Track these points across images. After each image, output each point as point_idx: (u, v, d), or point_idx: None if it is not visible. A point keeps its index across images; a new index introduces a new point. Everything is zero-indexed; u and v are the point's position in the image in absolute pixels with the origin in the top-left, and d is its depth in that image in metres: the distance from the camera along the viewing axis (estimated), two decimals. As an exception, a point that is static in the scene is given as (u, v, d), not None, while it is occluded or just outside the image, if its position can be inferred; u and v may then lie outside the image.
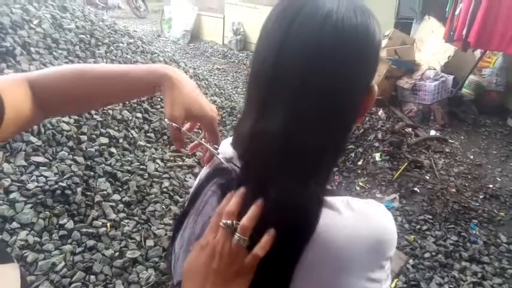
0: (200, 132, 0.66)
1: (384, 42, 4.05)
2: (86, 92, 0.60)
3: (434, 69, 4.11)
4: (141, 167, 2.18)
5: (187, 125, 0.63)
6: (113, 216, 1.84)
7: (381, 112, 3.85)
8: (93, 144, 2.11)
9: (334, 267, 0.45)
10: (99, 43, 2.86)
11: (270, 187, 0.45)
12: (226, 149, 0.57)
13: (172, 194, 2.13)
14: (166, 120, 0.57)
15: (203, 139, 0.59)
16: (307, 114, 0.44)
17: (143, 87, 0.60)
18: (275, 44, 0.45)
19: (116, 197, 1.94)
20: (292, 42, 0.44)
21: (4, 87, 0.51)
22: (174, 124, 0.56)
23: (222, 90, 3.91)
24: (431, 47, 4.40)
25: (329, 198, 0.48)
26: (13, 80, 0.55)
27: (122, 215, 1.88)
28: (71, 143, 2.02)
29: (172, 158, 2.41)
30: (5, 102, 0.49)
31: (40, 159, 1.87)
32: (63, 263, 1.58)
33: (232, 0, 7.20)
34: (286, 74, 0.44)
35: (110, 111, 2.38)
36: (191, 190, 0.60)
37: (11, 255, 0.47)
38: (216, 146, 0.59)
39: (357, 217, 0.47)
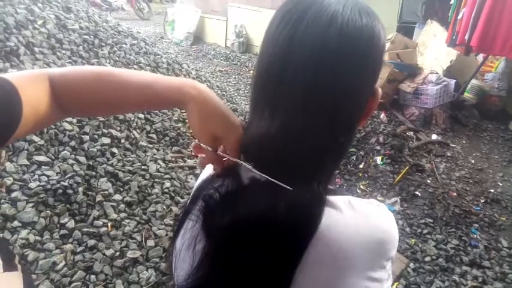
0: None
1: (387, 46, 4.05)
2: (105, 97, 0.57)
3: (437, 73, 4.11)
4: (143, 167, 2.19)
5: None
6: (114, 216, 1.84)
7: (382, 115, 3.85)
8: (95, 144, 2.11)
9: (336, 267, 0.45)
10: (103, 44, 2.87)
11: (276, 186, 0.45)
12: None
13: (173, 194, 2.13)
14: (203, 145, 0.56)
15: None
16: (313, 116, 0.45)
17: (165, 102, 0.57)
18: (280, 47, 0.45)
19: (117, 197, 1.94)
20: (298, 45, 0.44)
21: (22, 83, 0.49)
22: (209, 148, 0.55)
23: (224, 92, 3.92)
24: (434, 51, 4.40)
25: (331, 198, 0.48)
26: (33, 76, 0.53)
27: (123, 215, 1.88)
28: (73, 143, 2.03)
29: (173, 159, 2.41)
30: (22, 99, 0.48)
31: (42, 158, 1.87)
32: (63, 262, 1.58)
33: (235, 3, 7.22)
34: (292, 77, 0.45)
35: (112, 112, 2.38)
36: (192, 190, 0.59)
37: (16, 263, 0.47)
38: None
39: (358, 217, 0.47)
